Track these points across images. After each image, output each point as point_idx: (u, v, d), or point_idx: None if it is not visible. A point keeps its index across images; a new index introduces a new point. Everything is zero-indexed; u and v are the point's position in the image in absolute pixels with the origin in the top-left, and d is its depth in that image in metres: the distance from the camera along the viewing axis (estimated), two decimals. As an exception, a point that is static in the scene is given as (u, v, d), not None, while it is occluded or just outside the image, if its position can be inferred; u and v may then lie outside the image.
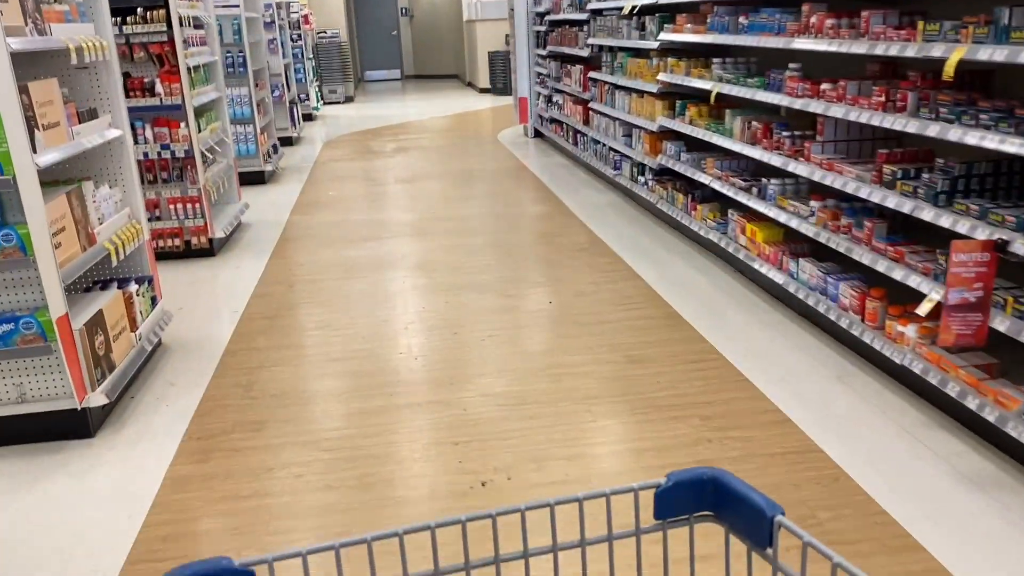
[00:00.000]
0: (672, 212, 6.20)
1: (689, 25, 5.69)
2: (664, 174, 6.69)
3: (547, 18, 10.29)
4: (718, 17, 5.19)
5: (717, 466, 1.29)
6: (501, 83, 18.35)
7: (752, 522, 0.88)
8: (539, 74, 11.28)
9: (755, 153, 4.75)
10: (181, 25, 6.00)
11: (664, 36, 6.16)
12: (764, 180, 4.76)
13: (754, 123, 4.85)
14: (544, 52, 10.63)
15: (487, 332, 4.53)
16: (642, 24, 6.77)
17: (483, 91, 19.10)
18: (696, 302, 4.87)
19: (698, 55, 6.15)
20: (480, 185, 8.66)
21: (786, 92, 4.35)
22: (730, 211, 5.24)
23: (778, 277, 4.54)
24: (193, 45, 6.50)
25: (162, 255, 6.28)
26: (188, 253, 6.31)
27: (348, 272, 5.78)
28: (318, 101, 15.79)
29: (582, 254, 5.97)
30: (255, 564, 0.83)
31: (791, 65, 4.38)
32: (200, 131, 6.36)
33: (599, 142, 8.36)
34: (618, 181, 7.67)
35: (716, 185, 5.35)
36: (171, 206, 6.20)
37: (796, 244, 4.64)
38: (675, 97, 6.38)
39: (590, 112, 8.63)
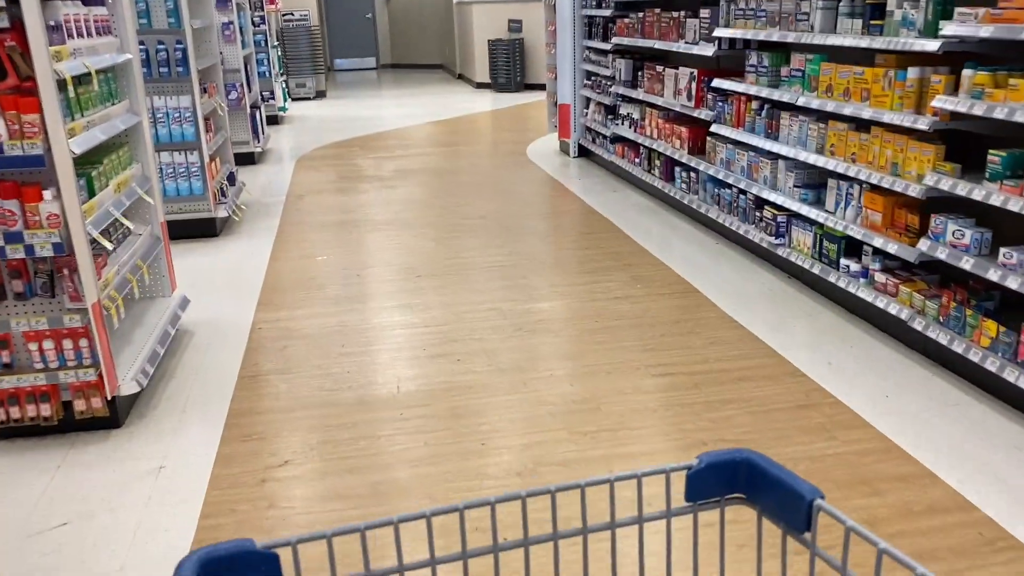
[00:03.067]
0: (966, 350, 3.41)
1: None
2: (907, 265, 3.91)
3: (613, -2, 7.43)
4: None
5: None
6: (503, 77, 15.46)
7: (788, 506, 0.87)
8: (591, 74, 8.41)
9: None
10: (46, -4, 3.04)
11: (959, 29, 3.33)
12: None
13: None
14: (606, 46, 7.76)
15: None
16: (875, 8, 3.93)
17: (480, 86, 16.17)
18: None
19: (1008, 62, 3.35)
20: (546, 244, 5.78)
21: None
22: None
23: None
24: (81, 35, 3.53)
25: (18, 432, 3.34)
26: (69, 427, 3.37)
27: (376, 498, 2.89)
28: (285, 99, 12.73)
29: (841, 446, 3.15)
30: (279, 546, 0.83)
31: None
32: (92, 195, 3.41)
33: (730, 186, 5.53)
34: (782, 255, 4.85)
35: None
36: (32, 345, 3.24)
37: None
38: (959, 139, 3.58)
39: (708, 138, 5.79)
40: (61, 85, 3.12)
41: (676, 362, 3.89)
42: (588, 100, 8.60)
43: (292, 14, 15.08)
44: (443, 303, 4.76)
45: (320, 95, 15.52)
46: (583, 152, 8.95)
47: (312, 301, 4.86)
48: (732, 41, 5.47)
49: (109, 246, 3.34)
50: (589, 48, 8.40)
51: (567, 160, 8.94)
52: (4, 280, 3.21)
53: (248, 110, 8.72)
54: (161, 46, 5.76)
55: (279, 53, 12.71)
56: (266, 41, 11.03)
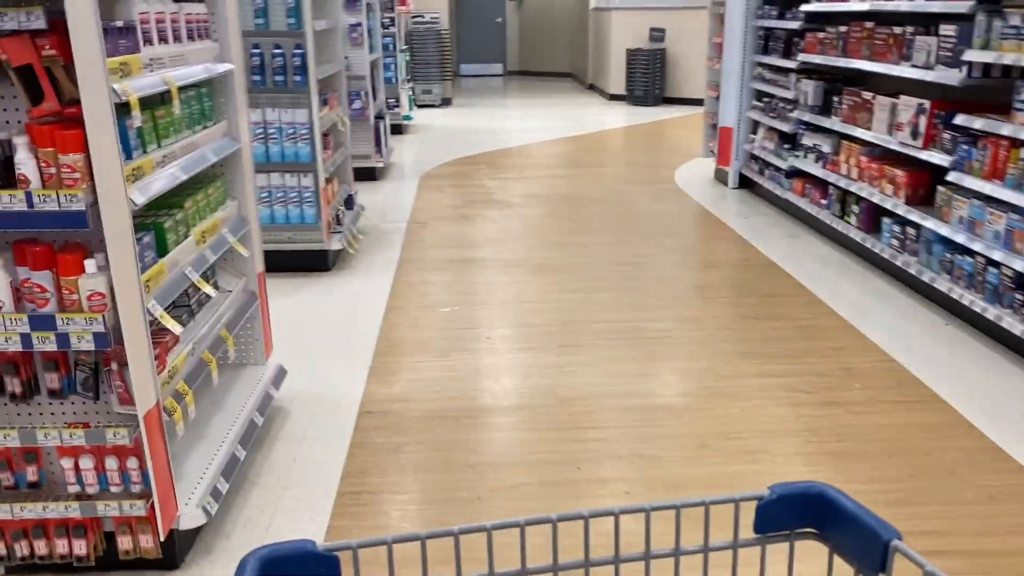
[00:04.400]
0: None
1: None
2: None
3: (802, 9, 6.22)
4: None
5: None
6: (641, 90, 14.32)
7: (862, 544, 0.84)
8: (763, 95, 7.21)
9: None
10: (109, -13, 2.18)
11: None
12: None
13: None
14: (789, 63, 6.55)
15: None
16: None
17: (614, 98, 15.08)
18: None
19: None
20: (719, 308, 4.65)
21: None
22: None
23: None
24: (165, 40, 2.67)
25: (45, 568, 2.49)
26: (111, 563, 2.50)
27: None
28: (411, 107, 11.98)
29: None
30: (340, 549, 0.84)
31: None
32: (163, 253, 2.54)
33: (972, 253, 4.27)
34: (1060, 359, 3.58)
35: None
36: (65, 461, 2.38)
37: None
38: None
39: (940, 188, 4.55)
40: (123, 109, 2.25)
41: (944, 529, 2.72)
42: (756, 124, 7.41)
43: (422, 16, 14.39)
44: (597, 391, 3.72)
45: (446, 103, 14.77)
46: (744, 183, 7.75)
47: (435, 373, 3.91)
48: (986, 67, 4.22)
49: (177, 329, 2.45)
50: (763, 65, 7.20)
51: (724, 191, 7.77)
52: (36, 369, 2.36)
53: (372, 121, 7.94)
54: (278, 51, 4.96)
55: (407, 58, 11.99)
56: (394, 45, 10.29)
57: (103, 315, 2.15)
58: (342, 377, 3.90)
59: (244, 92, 3.36)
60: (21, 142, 2.04)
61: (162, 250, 2.58)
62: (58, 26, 2.01)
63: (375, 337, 4.36)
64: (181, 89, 2.74)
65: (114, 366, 2.31)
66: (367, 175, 8.18)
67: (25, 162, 2.05)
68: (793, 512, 0.91)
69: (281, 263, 5.22)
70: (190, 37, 2.91)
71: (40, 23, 1.97)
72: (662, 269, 5.45)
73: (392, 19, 10.26)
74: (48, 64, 2.04)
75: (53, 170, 2.07)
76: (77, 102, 2.06)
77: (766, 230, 6.40)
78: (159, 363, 2.45)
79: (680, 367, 3.97)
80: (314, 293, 5.07)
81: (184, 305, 2.92)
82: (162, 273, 2.51)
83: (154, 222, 2.58)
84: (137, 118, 2.30)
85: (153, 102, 2.60)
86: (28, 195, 2.04)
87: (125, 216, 2.22)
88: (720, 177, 8.07)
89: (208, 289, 2.76)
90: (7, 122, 2.20)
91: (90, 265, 2.14)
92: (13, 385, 2.31)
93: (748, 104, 7.49)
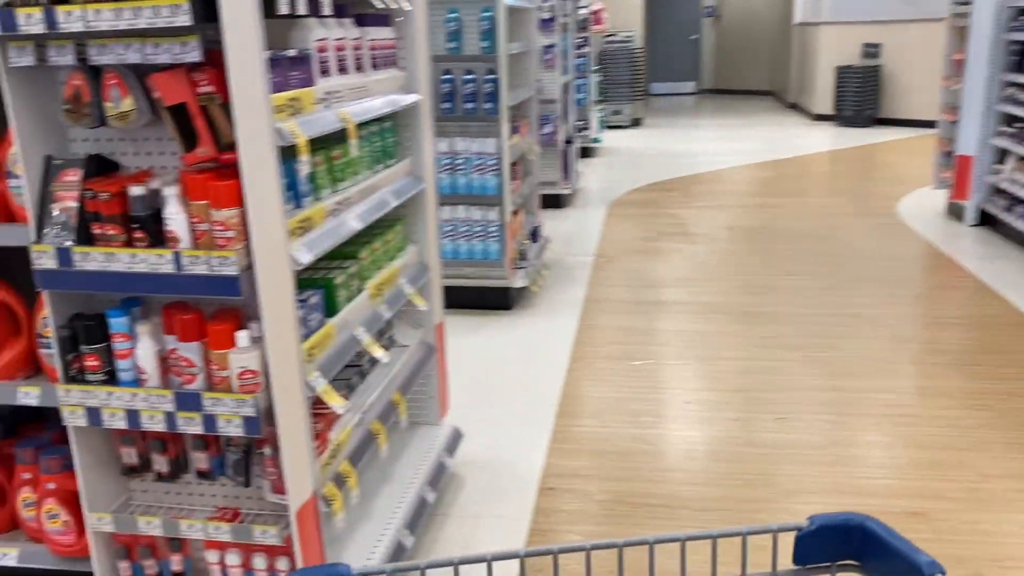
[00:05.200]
0: None
1: None
2: None
3: (1077, 16, 5.21)
4: None
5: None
6: (851, 110, 13.14)
7: None
8: (1014, 120, 6.17)
9: None
10: (274, 14, 1.87)
11: None
12: None
13: None
14: (1055, 82, 5.54)
15: None
16: None
17: (819, 118, 13.95)
18: None
19: None
20: (974, 382, 3.82)
21: None
22: None
23: None
24: (345, 69, 2.36)
25: (189, 668, 2.20)
26: (258, 671, 2.18)
27: None
28: (600, 129, 11.55)
29: None
30: (373, 574, 0.88)
31: None
32: (332, 312, 2.21)
33: None
34: None
35: None
36: (211, 554, 2.08)
37: None
38: None
39: None
40: (290, 152, 1.93)
41: None
42: (1004, 153, 6.36)
43: (614, 35, 13.95)
44: (826, 484, 3.07)
45: (636, 123, 14.24)
46: (985, 220, 6.69)
47: (625, 444, 3.40)
48: None
49: (341, 407, 2.10)
50: (1016, 85, 6.17)
51: (959, 229, 6.74)
52: (185, 446, 2.08)
53: (561, 146, 7.56)
54: (469, 76, 4.65)
55: (598, 78, 11.58)
56: (586, 65, 9.90)
57: (255, 396, 1.82)
58: (521, 440, 3.48)
59: (431, 125, 3.02)
60: (171, 194, 1.75)
61: (331, 310, 2.25)
62: (216, 59, 1.70)
63: (558, 393, 3.91)
64: (361, 125, 2.42)
65: (267, 450, 1.98)
66: (553, 202, 7.80)
67: (175, 217, 1.75)
68: (833, 544, 0.91)
69: (460, 300, 4.90)
70: (374, 66, 2.59)
71: (196, 55, 1.66)
72: (892, 324, 4.66)
73: (585, 39, 9.90)
74: (204, 103, 1.74)
75: (205, 226, 1.76)
76: (231, 146, 1.75)
77: (1017, 278, 5.40)
78: (319, 442, 2.12)
79: (929, 458, 3.24)
80: (494, 335, 4.71)
81: (355, 365, 2.60)
82: (329, 337, 2.18)
83: (324, 278, 2.26)
84: (306, 163, 1.98)
85: (329, 140, 2.29)
86: (176, 256, 1.75)
87: (286, 280, 1.88)
88: (954, 212, 7.03)
89: (379, 354, 2.41)
90: (163, 167, 1.93)
91: (242, 338, 1.82)
92: (160, 464, 2.04)
93: (994, 130, 6.45)
